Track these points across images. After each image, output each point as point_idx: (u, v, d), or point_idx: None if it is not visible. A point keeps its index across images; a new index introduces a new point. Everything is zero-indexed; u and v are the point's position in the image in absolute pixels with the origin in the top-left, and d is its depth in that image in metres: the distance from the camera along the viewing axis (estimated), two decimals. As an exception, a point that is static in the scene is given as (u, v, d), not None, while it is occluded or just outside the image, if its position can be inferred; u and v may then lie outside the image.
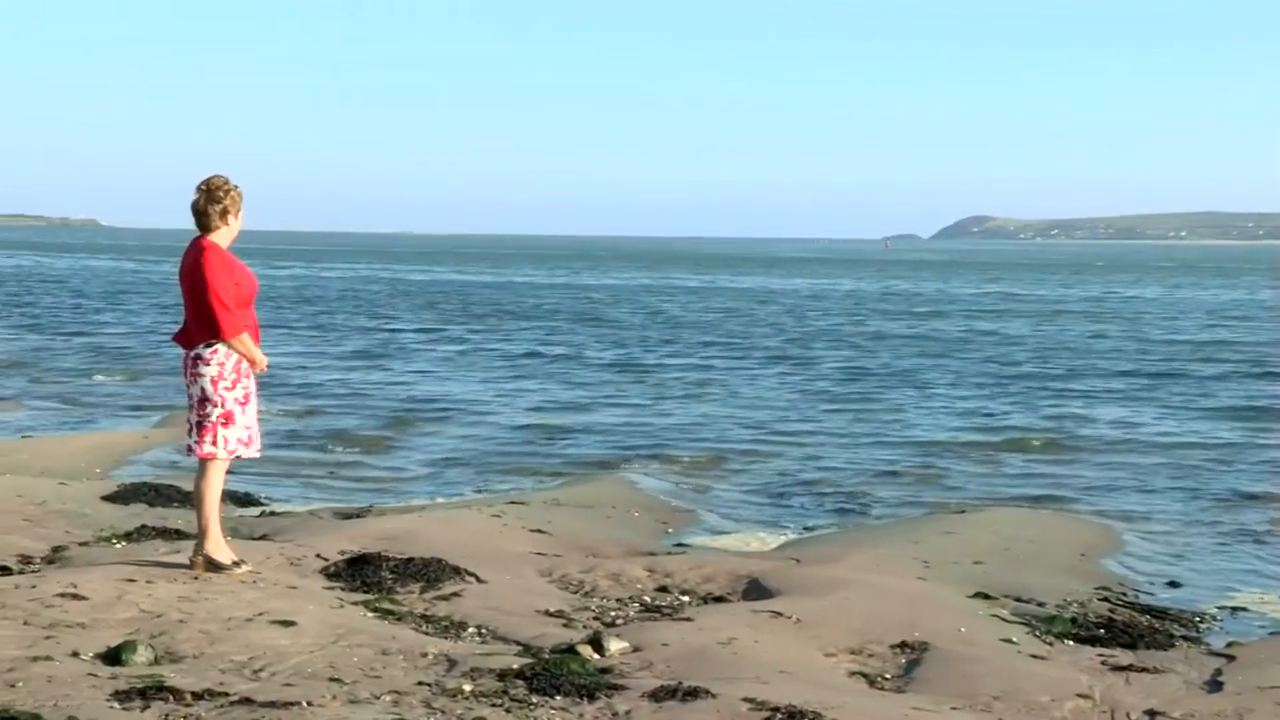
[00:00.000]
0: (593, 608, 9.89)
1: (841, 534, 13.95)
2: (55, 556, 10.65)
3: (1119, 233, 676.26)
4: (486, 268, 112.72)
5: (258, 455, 9.54)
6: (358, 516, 13.18)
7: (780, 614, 9.52)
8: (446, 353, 34.47)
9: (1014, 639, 9.60)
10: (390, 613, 9.13)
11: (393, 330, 42.02)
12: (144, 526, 11.92)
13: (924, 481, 17.35)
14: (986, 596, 10.88)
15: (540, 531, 12.77)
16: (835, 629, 9.29)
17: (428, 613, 9.30)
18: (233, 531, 11.45)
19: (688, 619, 9.36)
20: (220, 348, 9.23)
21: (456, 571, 10.35)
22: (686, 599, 10.38)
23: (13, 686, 6.92)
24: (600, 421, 22.25)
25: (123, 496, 13.86)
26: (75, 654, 7.53)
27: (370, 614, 9.02)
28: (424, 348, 35.70)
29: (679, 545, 13.01)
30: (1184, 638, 10.11)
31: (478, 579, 10.29)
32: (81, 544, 11.20)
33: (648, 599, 10.29)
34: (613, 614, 9.73)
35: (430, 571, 10.26)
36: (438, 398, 24.94)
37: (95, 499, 13.72)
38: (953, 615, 10.01)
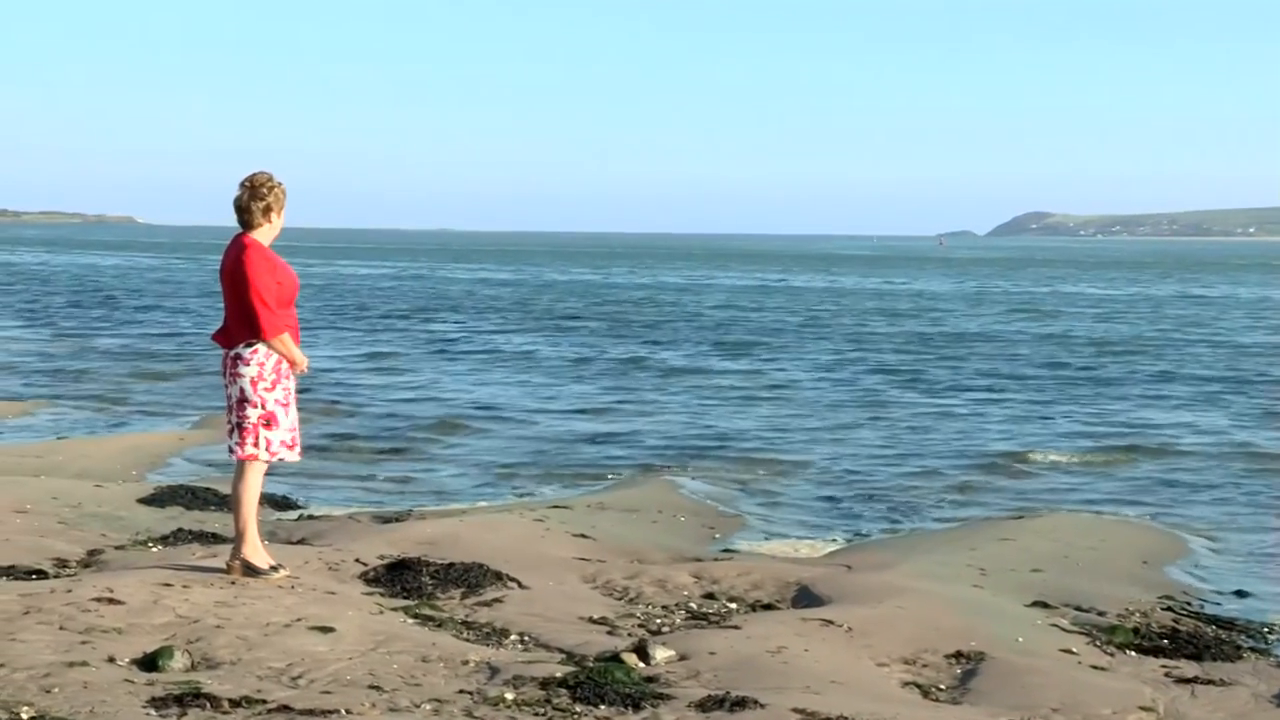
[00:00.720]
0: (638, 615, 9.90)
1: (894, 540, 13.91)
2: (91, 560, 10.75)
3: (1183, 229, 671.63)
4: (529, 265, 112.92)
5: (298, 458, 9.60)
6: (397, 520, 13.23)
7: (831, 622, 9.51)
8: (495, 354, 34.55)
9: (1074, 649, 9.55)
10: (430, 619, 9.17)
11: (440, 330, 42.15)
12: (180, 530, 12.01)
13: (980, 487, 17.27)
14: (1045, 605, 10.83)
15: (584, 536, 12.79)
16: (888, 638, 9.26)
17: (469, 619, 9.33)
18: (270, 535, 11.53)
19: (735, 627, 9.36)
20: (260, 348, 9.28)
21: (498, 577, 10.38)
22: (734, 606, 10.37)
23: (48, 692, 6.98)
24: (646, 425, 22.26)
25: (159, 499, 13.97)
26: (111, 660, 7.59)
27: (410, 620, 9.05)
28: (472, 349, 35.78)
29: (726, 551, 13.00)
30: (1252, 649, 10.03)
31: (520, 585, 10.32)
32: (117, 547, 11.30)
33: (694, 606, 10.29)
34: (658, 621, 9.74)
35: (471, 577, 10.29)
36: (483, 400, 25.01)
37: (131, 501, 13.83)
38: (1010, 624, 9.97)
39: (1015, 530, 13.99)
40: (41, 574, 10.07)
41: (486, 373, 29.99)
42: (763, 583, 11.01)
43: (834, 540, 13.92)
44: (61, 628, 8.11)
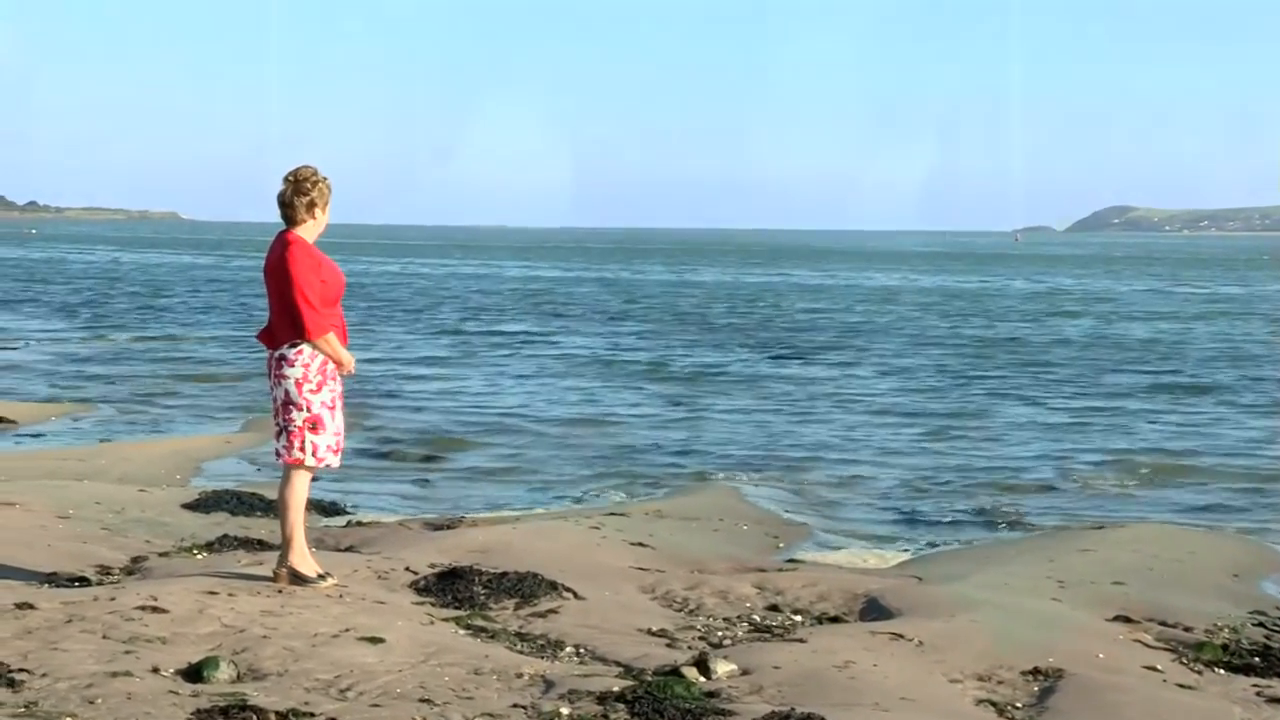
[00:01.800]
0: (698, 627, 9.90)
1: (967, 551, 13.86)
2: (135, 567, 10.85)
3: (1275, 224, 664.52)
4: (614, 265, 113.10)
5: (339, 464, 9.64)
6: (448, 528, 13.28)
7: (901, 636, 9.48)
8: (564, 357, 34.60)
9: (1158, 666, 9.48)
10: (483, 630, 9.21)
11: (498, 331, 42.29)
12: (226, 536, 12.10)
13: (1059, 495, 17.16)
14: (1127, 620, 10.75)
15: (642, 545, 12.80)
16: (961, 653, 9.22)
17: (522, 630, 9.36)
18: (318, 543, 11.60)
19: (800, 640, 9.35)
20: (305, 348, 9.34)
21: (553, 587, 10.41)
22: (799, 619, 10.36)
23: (91, 703, 7.06)
24: (708, 431, 22.24)
25: (204, 504, 14.09)
26: (155, 670, 7.67)
27: (462, 631, 9.09)
28: (533, 352, 35.85)
29: (791, 561, 12.98)
30: (1348, 668, 9.92)
31: (575, 595, 10.34)
32: (161, 554, 11.40)
33: (757, 618, 10.29)
34: (720, 634, 9.74)
35: (525, 587, 10.32)
36: (538, 405, 25.07)
37: (175, 507, 13.96)
38: (1090, 639, 9.91)
39: (1095, 541, 13.90)
40: (85, 581, 10.18)
41: (546, 376, 30.05)
42: (829, 594, 10.99)
43: (904, 550, 13.88)
44: (105, 637, 8.20)
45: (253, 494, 14.54)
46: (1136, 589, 11.90)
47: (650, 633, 9.56)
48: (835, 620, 10.36)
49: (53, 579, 10.14)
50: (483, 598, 10.07)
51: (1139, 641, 10.13)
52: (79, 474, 15.92)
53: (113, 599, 8.97)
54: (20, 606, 8.73)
